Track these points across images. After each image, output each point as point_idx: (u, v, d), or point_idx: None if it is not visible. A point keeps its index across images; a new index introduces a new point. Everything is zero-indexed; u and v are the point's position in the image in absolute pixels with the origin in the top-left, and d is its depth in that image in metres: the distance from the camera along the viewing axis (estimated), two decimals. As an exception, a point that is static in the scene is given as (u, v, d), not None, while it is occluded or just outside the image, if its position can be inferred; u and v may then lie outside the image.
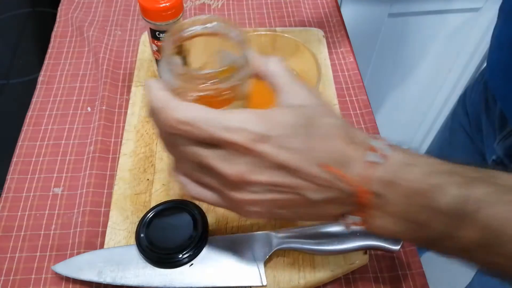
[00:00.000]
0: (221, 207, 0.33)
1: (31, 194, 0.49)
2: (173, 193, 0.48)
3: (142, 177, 0.49)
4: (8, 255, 0.45)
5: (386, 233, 0.31)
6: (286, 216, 0.32)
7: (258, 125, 0.28)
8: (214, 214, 0.46)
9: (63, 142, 0.54)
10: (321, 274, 0.42)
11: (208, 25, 0.35)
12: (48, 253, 0.45)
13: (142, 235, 0.42)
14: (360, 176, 0.29)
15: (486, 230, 0.27)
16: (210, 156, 0.29)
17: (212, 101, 0.32)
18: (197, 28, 0.35)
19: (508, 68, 0.50)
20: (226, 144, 0.28)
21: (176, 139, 0.30)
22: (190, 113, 0.28)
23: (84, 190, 0.49)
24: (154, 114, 0.30)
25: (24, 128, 0.55)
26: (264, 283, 0.40)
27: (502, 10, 0.53)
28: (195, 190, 0.32)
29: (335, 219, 0.32)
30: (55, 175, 0.51)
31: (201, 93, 0.32)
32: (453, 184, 0.28)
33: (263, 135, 0.28)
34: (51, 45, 0.65)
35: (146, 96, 0.31)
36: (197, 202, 0.45)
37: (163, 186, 0.48)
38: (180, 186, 0.33)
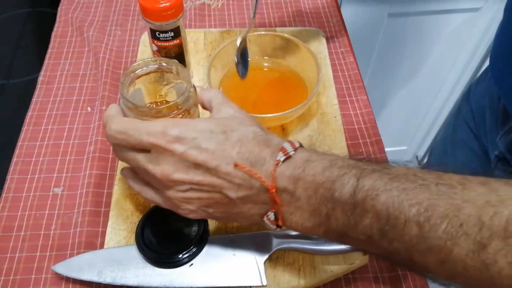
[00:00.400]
0: (167, 207, 0.37)
1: (31, 194, 0.49)
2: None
3: (142, 177, 0.49)
4: (8, 255, 0.45)
5: (301, 229, 0.34)
6: (217, 216, 0.36)
7: (176, 129, 0.33)
8: (214, 214, 0.46)
9: (63, 142, 0.54)
10: (321, 274, 0.42)
11: (163, 64, 0.43)
12: (48, 253, 0.45)
13: (142, 235, 0.42)
14: (270, 174, 0.32)
15: (377, 216, 0.28)
16: (143, 160, 0.34)
17: None
18: (154, 66, 0.43)
19: (508, 63, 0.51)
20: (151, 147, 0.33)
21: (119, 147, 0.36)
22: (123, 124, 0.34)
23: (84, 190, 0.49)
24: (105, 129, 0.36)
25: (24, 128, 0.55)
26: (264, 283, 0.40)
27: (506, 9, 0.53)
28: (145, 193, 0.38)
29: (260, 220, 0.35)
30: (55, 175, 0.51)
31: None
32: (349, 176, 0.30)
33: (179, 137, 0.33)
34: (51, 45, 0.65)
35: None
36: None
37: (163, 186, 0.48)
38: (135, 191, 0.39)
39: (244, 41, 0.53)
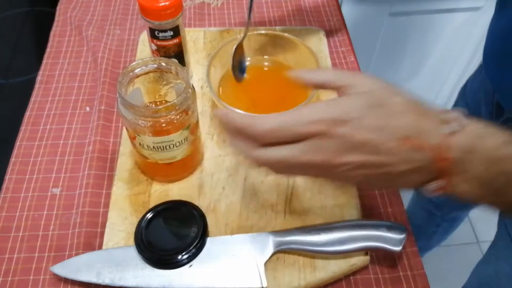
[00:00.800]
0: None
1: (30, 194, 0.49)
2: (172, 194, 0.47)
3: (141, 177, 0.49)
4: (6, 256, 0.44)
5: (466, 197, 0.33)
6: (378, 185, 0.39)
7: (334, 112, 0.32)
8: (214, 214, 0.45)
9: (61, 142, 0.54)
10: (322, 275, 0.42)
11: (163, 63, 0.43)
12: (46, 254, 0.45)
13: (141, 236, 0.42)
14: (438, 145, 0.31)
15: None
16: (298, 152, 0.32)
17: (162, 128, 0.41)
18: (153, 66, 0.43)
19: (500, 58, 0.51)
20: (311, 135, 0.32)
21: (268, 152, 0.33)
22: (273, 121, 0.32)
23: (83, 191, 0.49)
24: (239, 136, 0.34)
25: (23, 128, 0.55)
26: (264, 285, 0.40)
27: (497, 5, 0.54)
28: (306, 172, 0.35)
29: (422, 187, 0.34)
30: (53, 175, 0.51)
31: (149, 121, 0.41)
32: None
33: (337, 119, 0.31)
34: (49, 44, 0.64)
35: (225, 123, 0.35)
36: (195, 203, 0.45)
37: (162, 187, 0.48)
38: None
39: (239, 47, 0.53)
